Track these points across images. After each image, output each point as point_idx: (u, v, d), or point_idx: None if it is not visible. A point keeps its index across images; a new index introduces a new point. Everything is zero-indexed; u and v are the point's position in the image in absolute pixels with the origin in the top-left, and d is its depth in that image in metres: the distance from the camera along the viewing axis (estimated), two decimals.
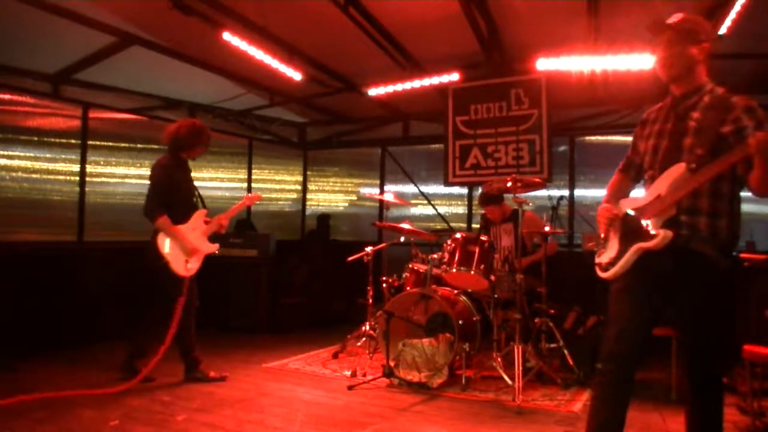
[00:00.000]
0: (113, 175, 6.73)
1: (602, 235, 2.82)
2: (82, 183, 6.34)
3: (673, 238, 2.49)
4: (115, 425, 3.62)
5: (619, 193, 2.94)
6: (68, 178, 6.25)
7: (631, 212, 2.70)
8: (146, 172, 6.79)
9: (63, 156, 6.22)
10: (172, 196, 4.71)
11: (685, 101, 2.65)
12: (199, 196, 5.08)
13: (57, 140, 6.19)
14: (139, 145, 6.98)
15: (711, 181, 2.45)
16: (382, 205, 7.40)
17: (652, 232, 2.54)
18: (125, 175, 6.84)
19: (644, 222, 2.60)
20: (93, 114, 6.46)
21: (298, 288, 7.54)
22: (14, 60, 5.78)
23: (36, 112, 6.02)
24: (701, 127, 2.53)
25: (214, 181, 8.01)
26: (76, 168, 6.33)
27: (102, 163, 6.60)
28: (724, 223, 2.51)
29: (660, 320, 2.78)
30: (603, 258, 2.77)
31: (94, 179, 6.51)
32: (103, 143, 6.63)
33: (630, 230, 2.66)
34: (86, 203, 6.37)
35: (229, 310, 6.96)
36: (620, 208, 2.77)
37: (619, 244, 2.70)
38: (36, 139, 6.00)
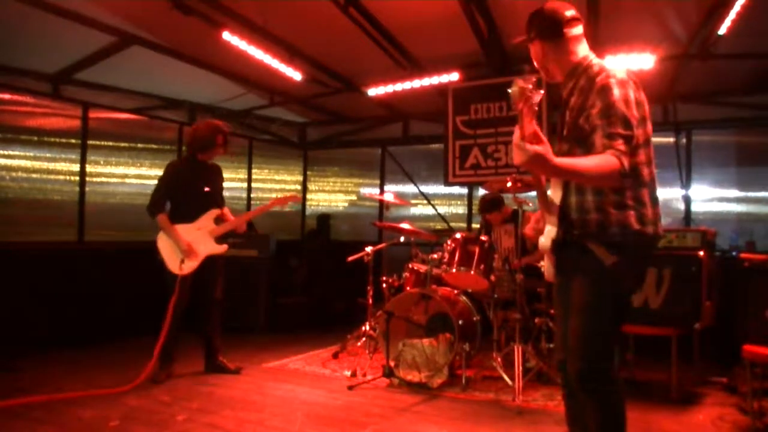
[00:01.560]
0: (113, 175, 6.73)
1: (528, 242, 2.80)
2: (82, 183, 6.33)
3: (565, 237, 2.41)
4: (115, 425, 3.62)
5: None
6: (68, 178, 6.24)
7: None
8: (146, 172, 7.01)
9: (63, 156, 6.21)
10: (177, 195, 4.79)
11: (565, 86, 2.55)
12: (221, 196, 5.11)
13: (57, 140, 6.18)
14: (139, 145, 6.98)
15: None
16: (382, 205, 7.40)
17: (545, 234, 2.53)
18: (125, 175, 6.84)
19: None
20: (93, 114, 6.45)
21: (298, 288, 7.54)
22: (14, 60, 5.78)
23: (36, 112, 6.01)
24: (571, 118, 2.42)
25: (227, 180, 7.87)
26: (76, 168, 6.32)
27: (102, 163, 6.60)
28: (612, 217, 2.32)
29: None
30: (542, 261, 2.76)
31: (94, 179, 6.50)
32: (103, 143, 6.62)
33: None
34: (86, 203, 6.35)
35: (229, 310, 6.76)
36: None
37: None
38: (36, 139, 6.00)
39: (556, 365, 2.55)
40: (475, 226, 7.66)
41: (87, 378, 4.67)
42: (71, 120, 6.29)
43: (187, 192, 4.87)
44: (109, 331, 6.18)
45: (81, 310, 6.02)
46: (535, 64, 2.62)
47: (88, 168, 6.41)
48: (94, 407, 3.96)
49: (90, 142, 6.43)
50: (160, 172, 6.79)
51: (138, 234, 6.87)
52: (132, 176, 6.90)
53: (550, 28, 2.50)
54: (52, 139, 6.15)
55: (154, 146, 7.14)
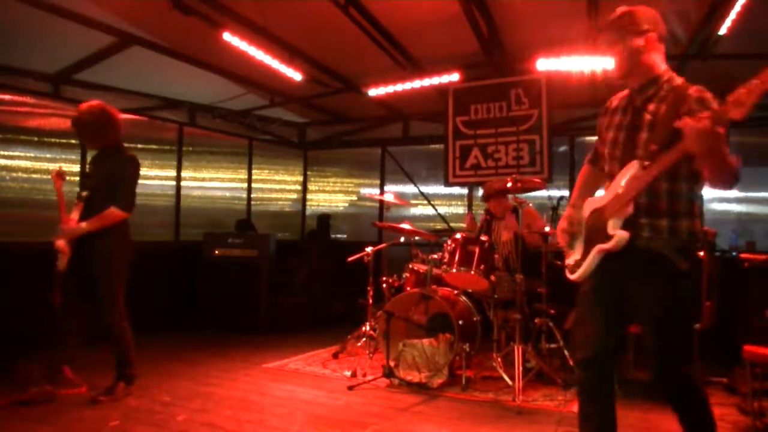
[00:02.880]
0: None
1: (562, 244, 2.80)
2: (82, 183, 6.19)
3: (632, 239, 2.45)
4: (115, 425, 3.62)
5: (588, 187, 2.91)
6: (69, 178, 5.87)
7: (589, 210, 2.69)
8: (147, 172, 6.95)
9: (63, 156, 6.20)
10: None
11: (642, 93, 2.58)
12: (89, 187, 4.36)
13: (57, 140, 6.17)
14: (139, 146, 6.99)
15: (668, 180, 2.41)
16: (383, 206, 7.40)
17: (610, 233, 2.50)
18: None
19: (605, 222, 2.54)
20: None
21: (298, 288, 7.54)
22: (14, 60, 5.76)
23: (36, 113, 6.01)
24: (655, 122, 2.47)
25: (215, 181, 8.00)
26: (77, 168, 6.31)
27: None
28: (684, 224, 2.43)
29: (630, 320, 2.75)
30: (570, 260, 2.74)
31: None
32: None
33: (593, 231, 2.62)
34: None
35: (229, 311, 6.96)
36: (584, 210, 2.74)
37: (583, 245, 2.67)
38: (36, 139, 5.99)
39: (579, 364, 2.55)
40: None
41: (84, 378, 4.67)
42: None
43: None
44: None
45: None
46: (619, 56, 2.58)
47: (89, 169, 6.23)
48: (94, 407, 3.95)
49: None
50: (160, 173, 7.21)
51: (139, 234, 6.84)
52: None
53: (660, 34, 2.57)
54: (53, 140, 6.13)
55: (154, 146, 7.16)
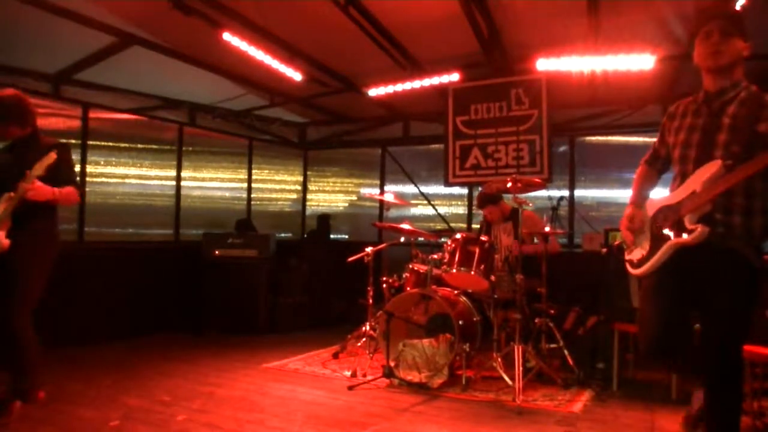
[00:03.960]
0: (113, 176, 6.75)
1: (626, 242, 2.88)
2: (82, 183, 6.32)
3: (708, 235, 2.51)
4: (115, 425, 3.63)
5: (646, 186, 2.98)
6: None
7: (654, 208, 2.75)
8: (147, 172, 7.07)
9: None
10: None
11: (721, 97, 2.65)
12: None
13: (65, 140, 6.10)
14: (139, 145, 7.01)
15: (745, 178, 2.46)
16: (382, 206, 7.41)
17: (689, 227, 2.56)
18: (125, 175, 6.87)
19: (677, 219, 2.62)
20: (93, 114, 6.47)
21: (298, 288, 7.54)
22: (14, 60, 5.79)
23: (36, 112, 5.81)
24: (736, 124, 2.54)
25: (215, 181, 8.03)
26: (77, 168, 6.08)
27: (102, 163, 6.62)
28: (758, 222, 2.52)
29: (694, 312, 2.78)
30: (634, 255, 2.82)
31: (95, 179, 6.53)
32: (103, 143, 6.64)
33: (661, 228, 2.69)
34: (86, 203, 6.35)
35: (229, 311, 6.99)
36: (645, 210, 2.82)
37: (650, 240, 2.74)
38: None
39: (647, 352, 2.70)
40: (475, 226, 7.67)
41: (88, 377, 4.71)
42: (71, 120, 6.31)
43: None
44: (109, 331, 6.21)
45: (81, 309, 6.01)
46: (725, 50, 2.65)
47: (89, 168, 6.44)
48: (94, 407, 3.98)
49: (90, 142, 6.44)
50: (160, 172, 7.26)
51: (137, 234, 7.00)
52: (132, 176, 6.93)
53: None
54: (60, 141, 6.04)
55: (154, 146, 7.18)
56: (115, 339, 6.19)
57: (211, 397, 4.29)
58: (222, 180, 8.15)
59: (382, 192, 8.50)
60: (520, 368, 4.34)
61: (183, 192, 7.47)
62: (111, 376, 4.77)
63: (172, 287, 7.04)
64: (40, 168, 3.59)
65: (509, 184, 4.80)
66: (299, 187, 9.37)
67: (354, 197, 9.24)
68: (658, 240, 2.69)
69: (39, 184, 3.60)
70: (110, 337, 6.17)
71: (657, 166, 2.98)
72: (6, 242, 3.57)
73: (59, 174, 3.75)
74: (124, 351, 5.85)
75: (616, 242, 3.02)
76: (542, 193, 5.96)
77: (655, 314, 2.66)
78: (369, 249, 5.87)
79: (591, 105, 7.13)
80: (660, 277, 2.67)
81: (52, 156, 3.61)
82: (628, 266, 2.84)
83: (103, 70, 6.13)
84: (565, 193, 7.18)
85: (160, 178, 7.26)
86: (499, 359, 4.73)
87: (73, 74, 6.22)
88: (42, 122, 5.87)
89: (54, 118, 6.19)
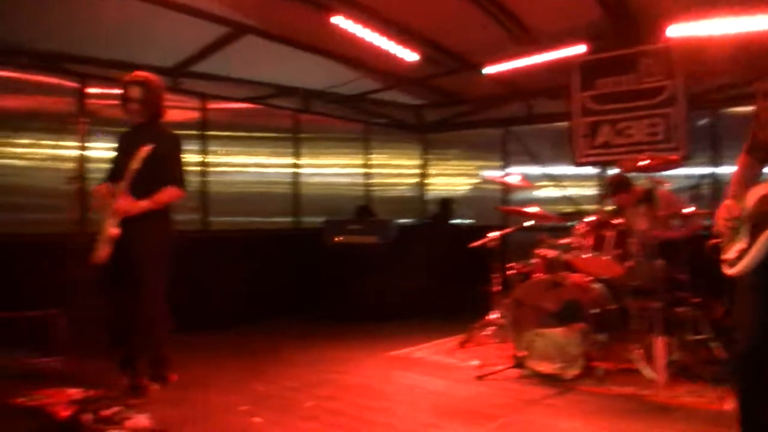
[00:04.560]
0: (232, 165, 7.05)
1: (724, 234, 2.71)
2: (203, 174, 6.72)
3: None
4: (245, 410, 3.85)
5: (748, 177, 2.77)
6: (190, 168, 6.44)
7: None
8: (265, 160, 7.35)
9: (184, 147, 6.39)
10: None
11: None
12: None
13: (179, 132, 6.40)
14: (256, 134, 7.32)
15: None
16: (506, 188, 7.33)
17: None
18: (244, 164, 7.16)
19: None
20: (211, 105, 6.81)
21: (419, 274, 7.59)
22: (132, 55, 6.07)
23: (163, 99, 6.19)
24: None
25: (332, 167, 8.23)
26: (198, 159, 6.71)
27: (221, 152, 6.94)
28: None
29: None
30: (731, 253, 2.66)
31: (215, 169, 6.87)
32: (221, 133, 6.96)
33: (762, 220, 2.54)
34: (208, 192, 6.74)
35: (349, 297, 7.13)
36: (747, 200, 2.65)
37: (750, 233, 2.60)
38: None
39: (741, 358, 2.60)
40: (609, 208, 7.44)
41: (214, 362, 5.02)
42: (190, 112, 6.69)
43: None
44: (233, 317, 6.49)
45: (206, 296, 6.30)
46: None
47: (209, 158, 6.78)
48: (223, 392, 4.23)
49: (209, 132, 6.79)
50: (278, 160, 7.55)
51: (258, 222, 7.33)
52: (251, 165, 7.22)
53: None
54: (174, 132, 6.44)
55: (270, 134, 7.47)
56: (237, 324, 6.47)
57: (336, 384, 4.44)
58: (340, 166, 8.34)
59: (506, 174, 8.37)
60: (663, 361, 4.18)
61: (301, 179, 7.69)
62: (237, 361, 5.06)
63: (293, 274, 7.24)
64: (136, 161, 3.78)
65: (643, 163, 4.62)
66: (418, 171, 9.40)
67: (477, 180, 9.16)
68: (758, 231, 2.53)
69: (125, 201, 3.78)
70: (233, 323, 6.44)
71: (759, 155, 2.74)
72: (115, 231, 3.77)
73: (163, 169, 3.94)
74: (247, 336, 6.15)
75: (712, 242, 2.83)
76: (681, 171, 5.68)
77: (753, 315, 2.53)
78: (494, 234, 5.82)
79: (734, 73, 6.65)
80: (759, 272, 2.53)
81: (146, 149, 3.78)
82: (724, 267, 2.68)
83: (218, 60, 6.37)
84: (707, 171, 6.81)
85: (278, 166, 7.53)
86: (639, 351, 4.59)
87: (190, 66, 6.51)
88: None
89: (174, 111, 6.13)
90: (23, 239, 5.39)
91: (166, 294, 4.05)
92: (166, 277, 4.04)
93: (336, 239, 7.30)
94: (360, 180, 8.68)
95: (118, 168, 4.00)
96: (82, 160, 5.86)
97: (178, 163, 4.13)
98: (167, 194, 3.98)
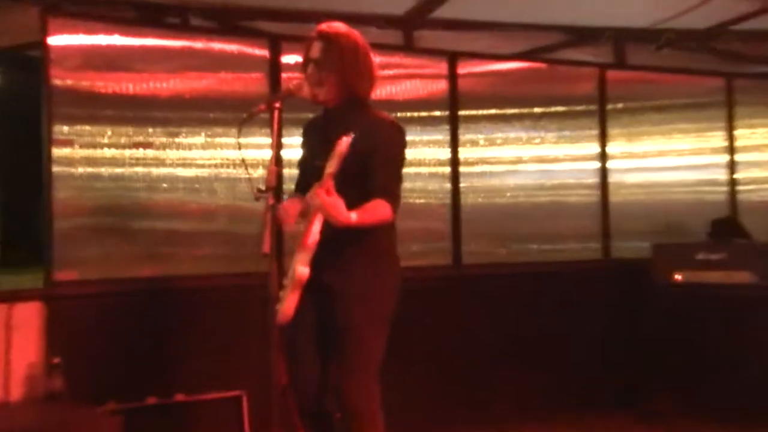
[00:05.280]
0: (499, 160, 5.66)
1: None
2: (454, 176, 5.37)
3: None
4: None
5: None
6: (435, 169, 5.31)
7: None
8: (550, 150, 5.85)
9: (428, 137, 5.34)
10: None
11: None
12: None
13: (417, 114, 5.31)
14: (535, 110, 5.79)
15: None
16: None
17: None
18: (517, 159, 5.72)
19: None
20: (463, 68, 5.46)
21: None
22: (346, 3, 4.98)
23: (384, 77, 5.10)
24: None
25: (666, 155, 6.40)
26: (442, 155, 5.42)
27: (481, 142, 5.55)
28: None
29: None
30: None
31: (470, 168, 5.52)
32: (479, 112, 5.61)
33: None
34: (463, 206, 5.40)
35: (710, 381, 5.23)
36: None
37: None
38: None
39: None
40: None
41: None
42: (430, 81, 5.43)
43: None
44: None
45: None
46: None
47: (461, 152, 5.46)
48: None
49: (462, 112, 5.45)
50: (571, 149, 5.89)
51: (537, 251, 5.91)
52: (527, 160, 5.75)
53: None
54: (411, 114, 5.24)
55: (558, 109, 5.89)
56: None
57: None
58: (679, 153, 6.40)
59: None
60: None
61: (612, 179, 6.07)
62: None
63: (600, 335, 5.74)
64: (334, 162, 2.86)
65: None
66: None
67: None
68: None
69: (332, 202, 2.91)
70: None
71: None
72: (305, 272, 3.04)
73: (370, 175, 3.10)
74: None
75: None
76: None
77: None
78: None
79: None
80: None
81: (345, 143, 2.90)
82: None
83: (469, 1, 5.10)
84: None
85: (572, 159, 5.99)
86: None
87: (429, 14, 5.28)
88: (394, 89, 5.28)
89: (407, 81, 5.37)
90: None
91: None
92: (383, 344, 3.20)
93: (676, 277, 5.49)
94: (718, 174, 6.53)
95: (306, 175, 3.41)
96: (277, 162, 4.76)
97: (390, 166, 3.26)
98: (371, 212, 3.05)
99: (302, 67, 3.11)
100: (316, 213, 2.90)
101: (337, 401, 3.04)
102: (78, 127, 4.20)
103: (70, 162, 4.11)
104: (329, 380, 3.11)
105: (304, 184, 3.21)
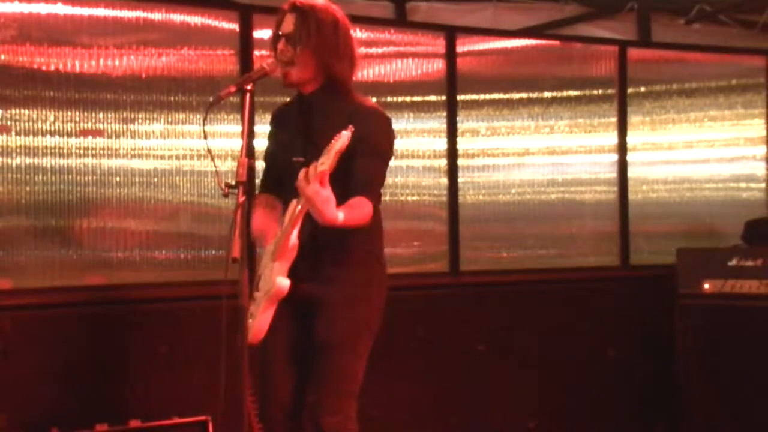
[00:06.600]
0: (503, 153, 5.67)
1: None
2: (451, 168, 5.38)
3: None
4: None
5: None
6: (430, 162, 5.35)
7: None
8: (559, 142, 5.84)
9: (428, 125, 5.39)
10: None
11: None
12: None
13: (409, 99, 5.33)
14: (545, 94, 5.76)
15: None
16: None
17: None
18: (524, 151, 5.72)
19: None
20: (462, 45, 5.47)
21: None
22: None
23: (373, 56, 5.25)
24: None
25: (694, 146, 6.42)
26: (438, 146, 5.41)
27: (482, 131, 5.58)
28: None
29: None
30: None
31: (469, 161, 5.54)
32: (481, 97, 5.61)
33: None
34: (460, 205, 5.41)
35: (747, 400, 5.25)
36: None
37: None
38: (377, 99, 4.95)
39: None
40: None
41: None
42: (425, 61, 5.44)
43: None
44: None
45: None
46: None
47: (460, 143, 5.46)
48: None
49: (461, 97, 5.47)
50: (587, 140, 5.86)
51: (545, 259, 6.07)
52: (537, 151, 5.78)
53: None
54: (402, 98, 5.28)
55: (571, 93, 5.88)
56: None
57: None
58: (708, 144, 6.35)
59: None
60: None
61: (632, 173, 6.05)
62: None
63: (620, 354, 5.78)
64: (328, 158, 2.84)
65: None
66: None
67: None
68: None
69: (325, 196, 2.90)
70: None
71: None
72: (286, 285, 3.13)
73: (351, 169, 3.13)
74: None
75: None
76: None
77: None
78: None
79: None
80: None
81: (345, 137, 2.88)
82: None
83: None
84: None
85: (587, 151, 6.01)
86: None
87: None
88: (382, 69, 5.24)
89: (399, 60, 5.38)
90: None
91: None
92: (363, 364, 3.29)
93: (706, 288, 5.50)
94: (755, 169, 6.47)
95: (277, 172, 3.48)
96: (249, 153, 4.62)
97: (375, 161, 3.32)
98: (354, 210, 3.07)
99: (272, 42, 3.11)
100: (298, 218, 2.91)
101: (312, 423, 3.04)
102: (14, 111, 4.13)
103: (6, 151, 4.07)
104: (304, 400, 3.11)
105: (273, 183, 3.27)
